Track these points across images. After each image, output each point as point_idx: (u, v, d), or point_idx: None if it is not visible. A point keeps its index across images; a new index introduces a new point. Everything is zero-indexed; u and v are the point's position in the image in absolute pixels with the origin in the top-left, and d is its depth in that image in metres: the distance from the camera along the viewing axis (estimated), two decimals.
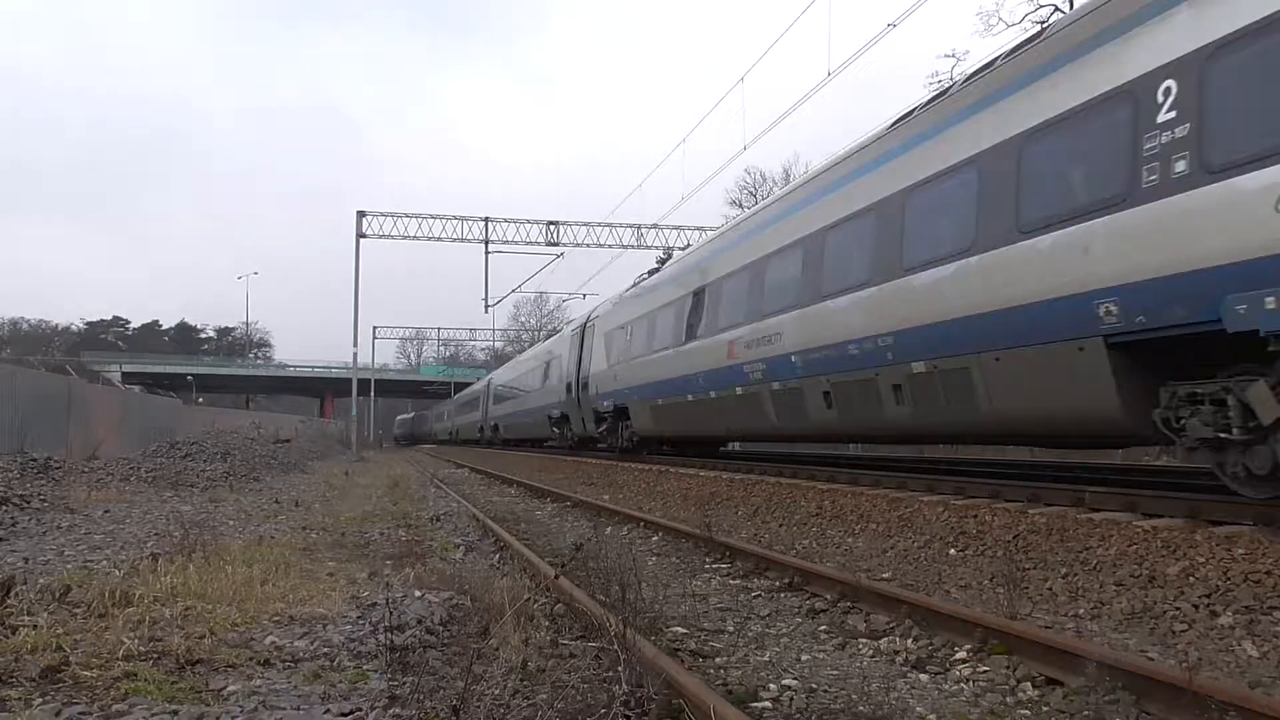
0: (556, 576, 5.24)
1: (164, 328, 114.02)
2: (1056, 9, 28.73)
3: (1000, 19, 36.66)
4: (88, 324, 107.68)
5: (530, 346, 51.69)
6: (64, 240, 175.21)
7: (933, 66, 57.11)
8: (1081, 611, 5.50)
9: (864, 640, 5.07)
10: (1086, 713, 3.70)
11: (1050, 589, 5.96)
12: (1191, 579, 5.31)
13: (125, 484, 15.44)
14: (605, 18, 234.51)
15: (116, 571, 6.39)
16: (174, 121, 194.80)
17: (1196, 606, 5.05)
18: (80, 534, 9.35)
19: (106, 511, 11.41)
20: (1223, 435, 5.95)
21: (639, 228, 43.36)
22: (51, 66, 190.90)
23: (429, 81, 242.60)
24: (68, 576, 5.98)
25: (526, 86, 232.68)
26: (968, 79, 8.96)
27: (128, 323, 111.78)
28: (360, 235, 42.23)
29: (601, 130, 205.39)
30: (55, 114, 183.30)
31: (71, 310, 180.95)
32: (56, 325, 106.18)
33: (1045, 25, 8.90)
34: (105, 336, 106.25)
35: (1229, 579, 5.14)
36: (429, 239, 42.47)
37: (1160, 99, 6.18)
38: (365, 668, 4.26)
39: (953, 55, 48.80)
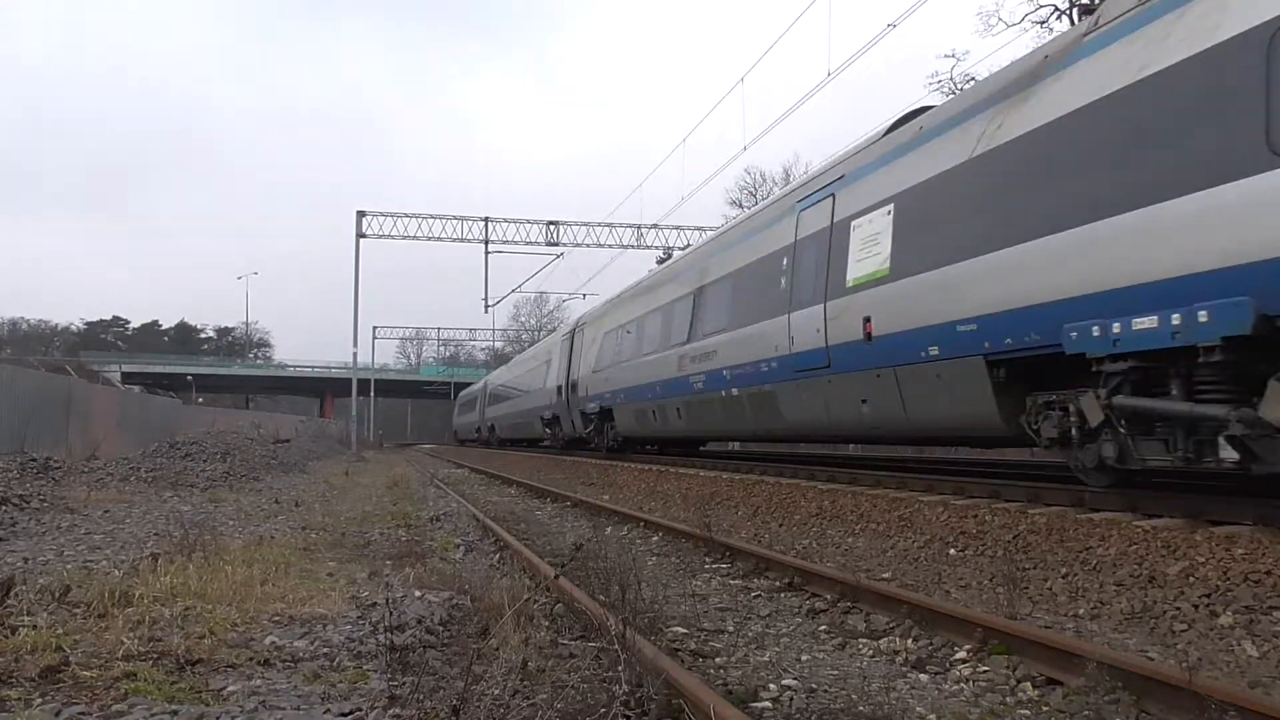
0: (556, 576, 5.23)
1: (164, 328, 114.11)
2: (1056, 9, 28.73)
3: (1000, 19, 36.69)
4: (87, 324, 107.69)
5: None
6: (64, 240, 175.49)
7: (933, 67, 57.26)
8: (1081, 611, 5.50)
9: (864, 640, 5.07)
10: (1086, 713, 3.70)
11: (1050, 589, 5.96)
12: (1191, 579, 5.31)
13: (125, 484, 15.44)
14: (605, 18, 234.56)
15: (116, 571, 6.38)
16: (175, 121, 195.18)
17: (1196, 606, 5.05)
18: (80, 534, 9.34)
19: (106, 511, 11.41)
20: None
21: (639, 228, 43.49)
22: (52, 66, 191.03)
23: (430, 83, 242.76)
24: (67, 576, 5.97)
25: (527, 87, 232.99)
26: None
27: (127, 323, 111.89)
28: (360, 235, 42.33)
29: (602, 130, 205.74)
30: (55, 114, 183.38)
31: (71, 310, 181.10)
32: (56, 325, 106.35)
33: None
34: (105, 336, 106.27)
35: (1229, 579, 5.14)
36: (429, 239, 42.62)
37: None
38: (365, 668, 4.26)
39: (953, 55, 48.90)
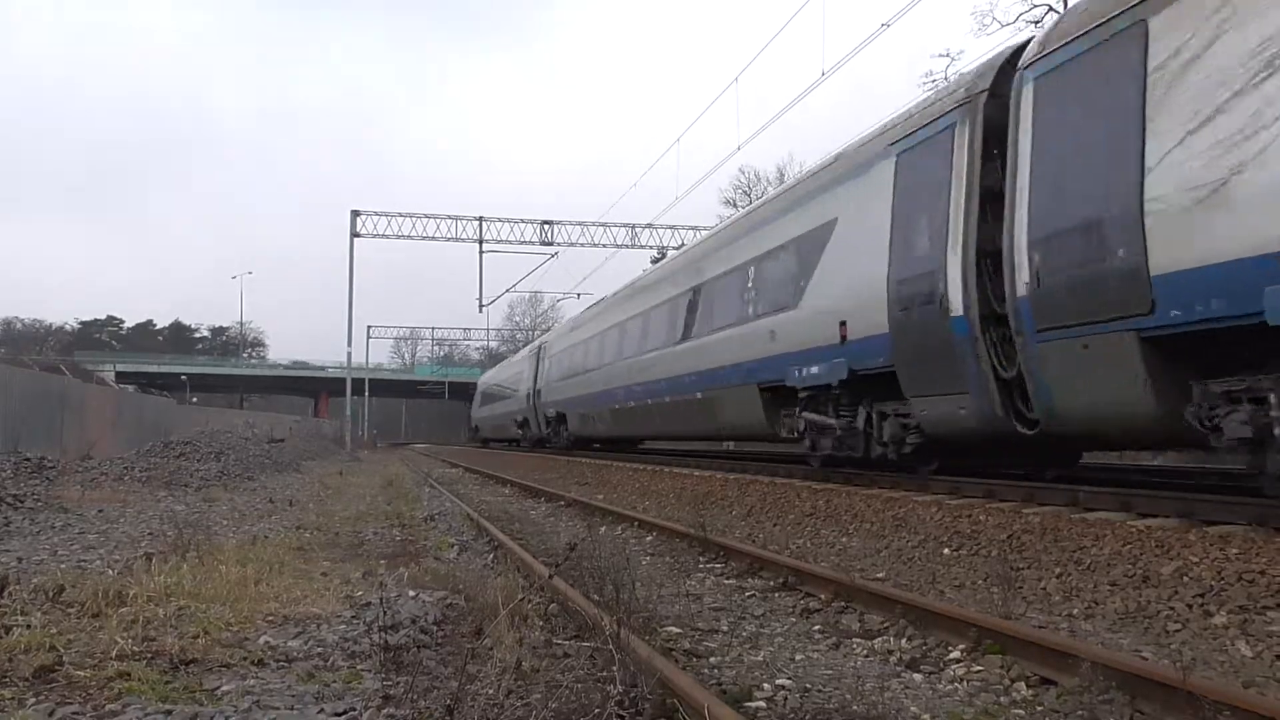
0: (551, 576, 5.23)
1: (158, 327, 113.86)
2: (1050, 9, 28.78)
3: (994, 19, 36.70)
4: (82, 323, 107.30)
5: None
6: (58, 240, 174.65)
7: (927, 66, 57.20)
8: (1076, 611, 5.51)
9: (858, 640, 5.07)
10: (1081, 712, 3.71)
11: (1044, 589, 5.97)
12: (1185, 579, 5.33)
13: (119, 483, 15.39)
14: (599, 18, 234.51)
15: (110, 571, 6.37)
16: (170, 121, 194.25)
17: (1190, 606, 5.07)
18: (74, 533, 9.32)
19: (100, 511, 11.38)
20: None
21: (633, 227, 43.57)
22: (47, 64, 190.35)
23: (426, 82, 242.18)
24: (61, 576, 5.95)
25: (521, 86, 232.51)
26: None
27: (122, 322, 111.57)
28: (354, 234, 42.29)
29: (596, 130, 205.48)
30: (51, 113, 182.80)
31: (65, 310, 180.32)
32: (50, 325, 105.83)
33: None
34: (99, 336, 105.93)
35: (1223, 579, 5.15)
36: (423, 238, 42.62)
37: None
38: (359, 667, 4.26)
39: (947, 55, 48.98)
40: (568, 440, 26.75)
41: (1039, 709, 3.88)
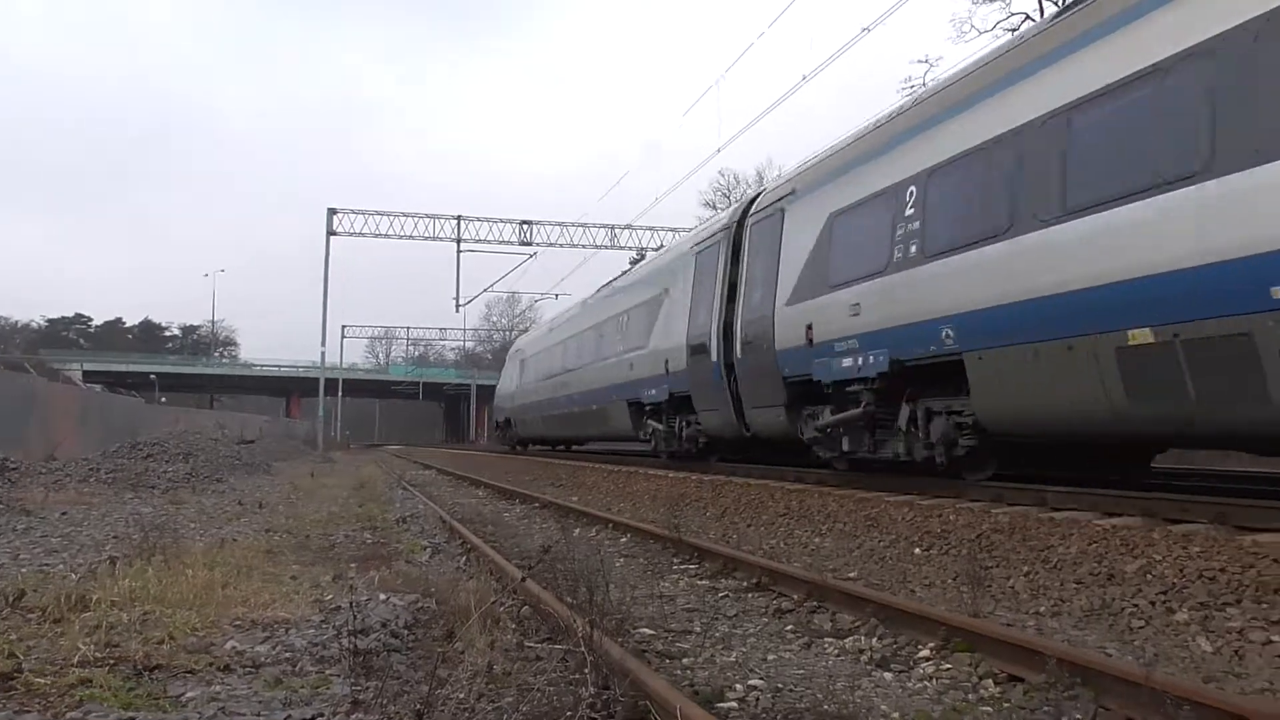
0: (523, 579, 5.22)
1: (127, 325, 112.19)
2: (1028, 17, 29.08)
3: (973, 26, 37.04)
4: (49, 321, 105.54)
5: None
6: (26, 234, 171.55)
7: (906, 71, 57.54)
8: (1042, 609, 5.58)
9: (829, 639, 5.10)
10: (1047, 709, 3.76)
11: (1012, 587, 6.03)
12: (1149, 576, 5.40)
13: (84, 485, 15.16)
14: (581, 19, 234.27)
15: (73, 575, 6.27)
16: (145, 118, 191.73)
17: (1154, 603, 5.14)
18: (37, 537, 9.17)
19: (64, 514, 11.20)
20: None
21: (613, 228, 43.63)
22: (34, 59, 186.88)
23: (406, 81, 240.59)
24: (22, 580, 5.86)
25: (501, 87, 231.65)
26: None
27: (90, 320, 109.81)
28: (331, 232, 41.97)
29: (576, 131, 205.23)
30: (22, 105, 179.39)
31: (32, 307, 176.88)
32: (16, 322, 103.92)
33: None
34: (67, 334, 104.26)
35: (1185, 576, 5.23)
36: (400, 237, 42.37)
37: None
38: (328, 672, 4.22)
39: (926, 61, 49.37)
40: (949, 446, 8.56)
41: (1006, 706, 3.93)
